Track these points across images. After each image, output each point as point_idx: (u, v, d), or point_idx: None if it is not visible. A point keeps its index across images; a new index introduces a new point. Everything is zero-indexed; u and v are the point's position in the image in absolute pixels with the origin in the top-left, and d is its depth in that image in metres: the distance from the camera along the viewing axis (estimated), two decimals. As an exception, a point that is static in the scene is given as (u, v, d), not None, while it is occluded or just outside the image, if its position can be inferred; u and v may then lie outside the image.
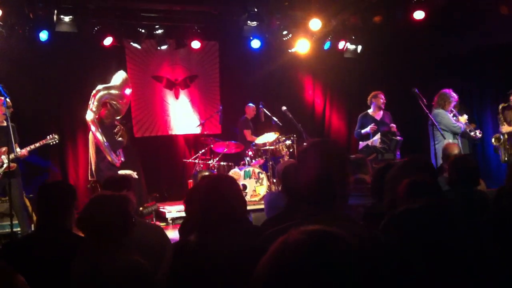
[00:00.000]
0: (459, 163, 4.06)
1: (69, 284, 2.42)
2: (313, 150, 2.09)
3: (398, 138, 7.72)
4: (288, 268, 1.01)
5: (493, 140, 7.77)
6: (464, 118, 7.35)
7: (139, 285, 2.33)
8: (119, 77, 7.85)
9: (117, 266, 2.32)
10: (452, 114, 7.25)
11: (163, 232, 3.59)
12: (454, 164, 4.09)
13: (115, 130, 7.63)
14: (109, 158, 7.05)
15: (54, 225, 2.92)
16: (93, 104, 7.26)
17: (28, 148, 6.49)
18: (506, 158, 7.61)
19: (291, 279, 1.00)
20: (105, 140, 7.11)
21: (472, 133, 7.30)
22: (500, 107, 7.68)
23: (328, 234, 1.06)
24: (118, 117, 7.84)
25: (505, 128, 7.59)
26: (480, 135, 7.40)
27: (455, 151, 5.34)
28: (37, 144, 6.60)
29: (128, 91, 8.03)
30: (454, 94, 7.28)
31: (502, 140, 7.63)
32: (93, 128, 7.15)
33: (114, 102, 7.44)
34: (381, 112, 8.08)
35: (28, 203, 6.81)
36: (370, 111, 8.14)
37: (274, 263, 1.03)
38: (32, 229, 6.39)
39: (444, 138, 7.01)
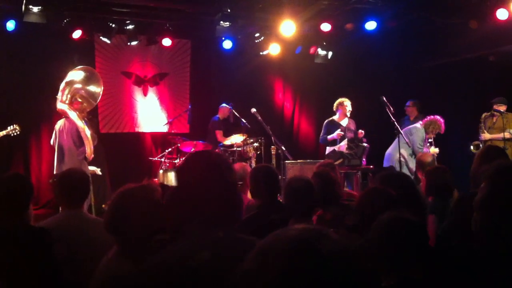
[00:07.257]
0: (435, 174, 4.15)
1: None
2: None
3: (365, 144, 7.82)
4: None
5: (472, 147, 7.98)
6: (435, 151, 7.51)
7: None
8: (94, 74, 7.29)
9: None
10: (429, 140, 7.45)
11: None
12: (430, 175, 4.16)
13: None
14: (88, 150, 6.59)
15: (11, 220, 2.87)
16: (65, 95, 6.72)
17: None
18: None
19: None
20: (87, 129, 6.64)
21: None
22: (483, 116, 7.94)
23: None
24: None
25: (485, 136, 7.82)
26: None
27: (429, 159, 5.40)
28: None
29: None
30: (444, 127, 7.48)
31: (480, 148, 7.88)
32: (73, 115, 6.58)
33: (85, 103, 6.89)
34: (347, 119, 8.22)
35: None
36: (335, 117, 8.24)
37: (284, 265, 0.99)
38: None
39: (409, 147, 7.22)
